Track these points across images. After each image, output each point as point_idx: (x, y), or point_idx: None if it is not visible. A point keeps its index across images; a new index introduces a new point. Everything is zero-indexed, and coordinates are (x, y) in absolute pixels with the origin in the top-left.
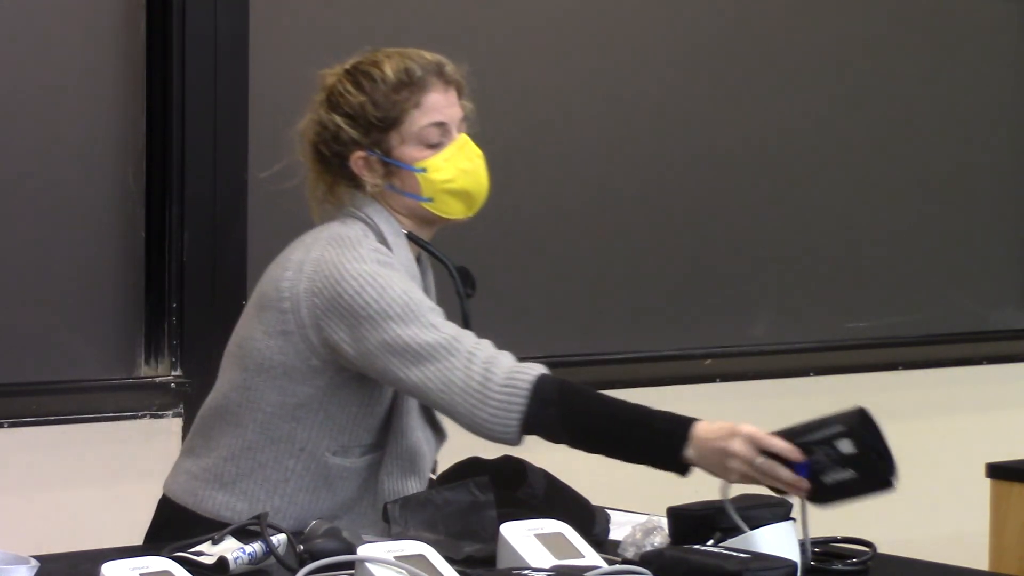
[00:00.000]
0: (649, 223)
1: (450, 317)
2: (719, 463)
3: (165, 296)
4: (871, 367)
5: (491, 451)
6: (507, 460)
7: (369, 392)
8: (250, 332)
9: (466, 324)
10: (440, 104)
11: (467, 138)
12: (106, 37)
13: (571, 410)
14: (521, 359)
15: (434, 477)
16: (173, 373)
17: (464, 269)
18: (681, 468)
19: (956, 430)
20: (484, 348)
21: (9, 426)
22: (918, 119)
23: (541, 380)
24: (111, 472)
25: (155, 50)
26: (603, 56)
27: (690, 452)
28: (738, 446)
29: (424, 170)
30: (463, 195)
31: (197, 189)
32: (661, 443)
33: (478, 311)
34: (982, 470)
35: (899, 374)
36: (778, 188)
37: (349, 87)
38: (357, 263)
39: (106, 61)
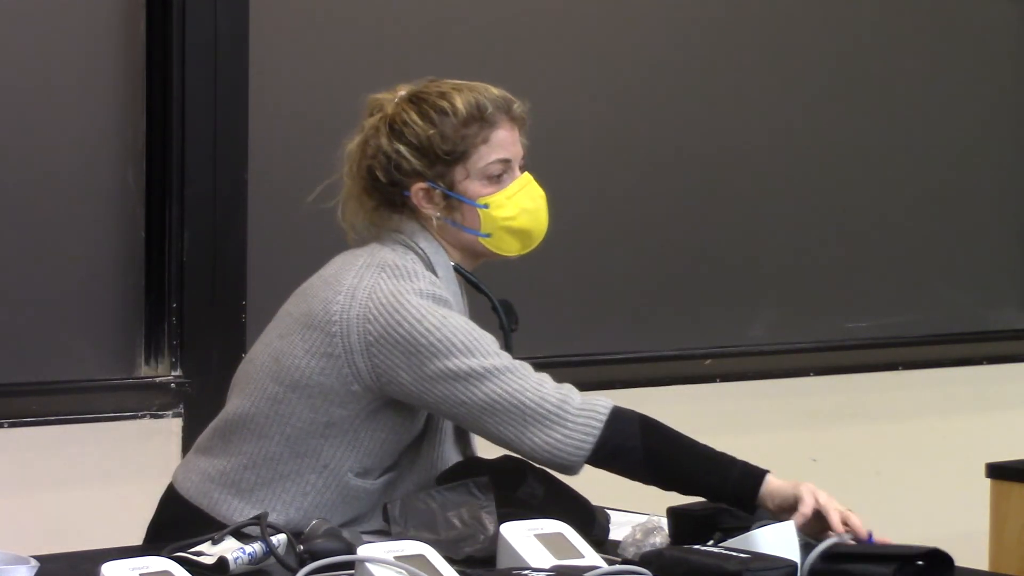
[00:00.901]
0: (649, 223)
1: None
2: (792, 492)
3: (165, 296)
4: (871, 367)
5: (492, 451)
6: (507, 460)
7: (402, 421)
8: (290, 348)
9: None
10: (506, 141)
11: (531, 177)
12: (106, 37)
13: (650, 441)
14: (522, 359)
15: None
16: (173, 373)
17: (507, 303)
18: (752, 505)
19: (956, 430)
20: (549, 378)
21: (9, 426)
22: (918, 119)
23: (619, 410)
24: (111, 472)
25: (155, 50)
26: (602, 55)
27: (769, 481)
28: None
29: (487, 206)
30: (522, 234)
31: (197, 189)
32: (736, 480)
33: (478, 311)
34: (982, 470)
35: (899, 374)
36: (778, 188)
37: (415, 117)
38: (415, 295)
39: (106, 61)
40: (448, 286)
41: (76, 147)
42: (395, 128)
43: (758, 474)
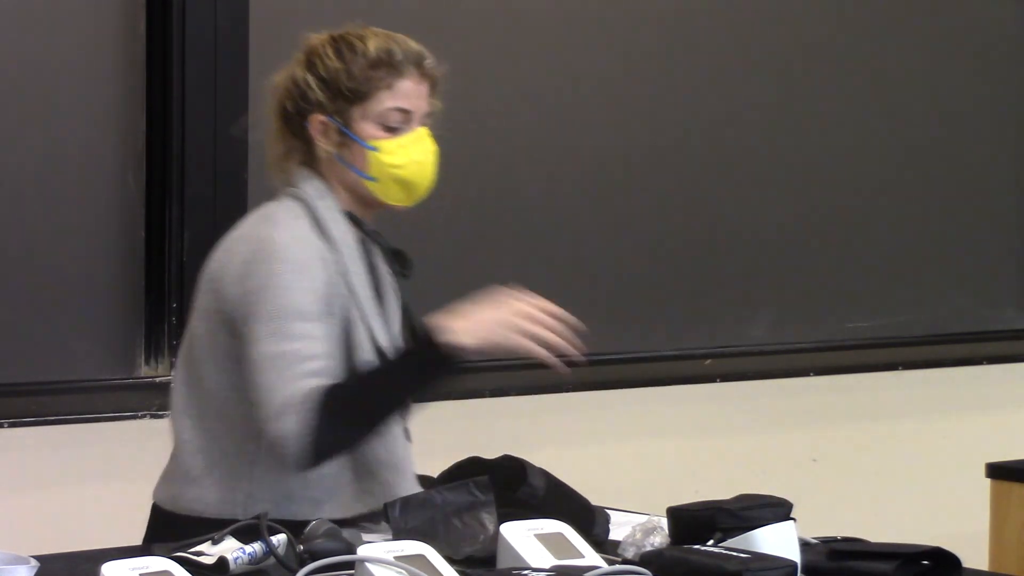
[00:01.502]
0: (649, 223)
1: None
2: (485, 345)
3: (165, 296)
4: (871, 367)
5: (492, 452)
6: (507, 460)
7: None
8: (193, 321)
9: (405, 307)
10: (410, 92)
11: (427, 132)
12: (106, 37)
13: (347, 416)
14: (522, 359)
15: (409, 441)
16: (173, 373)
17: (400, 252)
18: (452, 359)
19: (956, 430)
20: (306, 381)
21: (9, 426)
22: (918, 119)
23: (310, 414)
24: (111, 472)
25: (155, 50)
26: (603, 54)
27: (460, 339)
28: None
29: (377, 149)
30: (407, 184)
31: (197, 189)
32: (427, 351)
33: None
34: (982, 470)
35: (899, 374)
36: (778, 188)
37: (330, 52)
38: (268, 244)
39: (106, 61)
40: (336, 232)
41: (76, 147)
42: (310, 60)
43: (441, 359)
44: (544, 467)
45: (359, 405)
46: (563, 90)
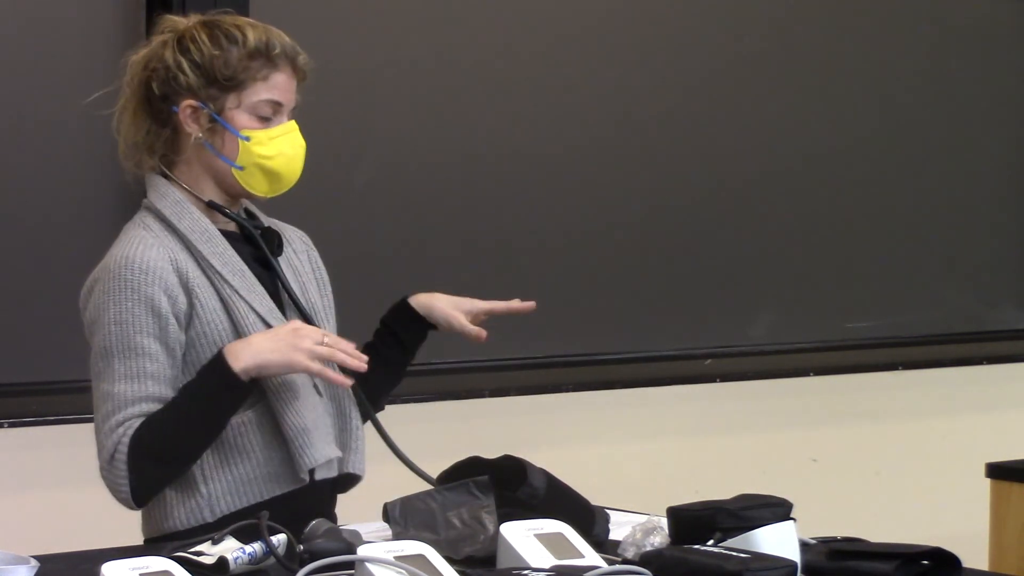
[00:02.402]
0: (650, 223)
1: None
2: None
3: None
4: (871, 367)
5: (491, 452)
6: (507, 460)
7: (199, 353)
8: None
9: (272, 284)
10: (284, 86)
11: (296, 126)
12: (106, 37)
13: (150, 456)
14: (523, 359)
15: (321, 395)
16: None
17: (266, 230)
18: (242, 381)
19: (956, 430)
20: (121, 429)
21: (9, 426)
22: (918, 119)
23: (121, 455)
24: None
25: None
26: (605, 55)
27: (243, 362)
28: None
29: (248, 139)
30: (273, 175)
31: None
32: (218, 377)
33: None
34: (982, 470)
35: (899, 374)
36: (778, 188)
37: (205, 38)
38: (101, 272)
39: (106, 61)
40: (190, 228)
41: (76, 147)
42: (183, 43)
43: (222, 381)
44: (544, 467)
45: (167, 440)
46: (565, 89)
